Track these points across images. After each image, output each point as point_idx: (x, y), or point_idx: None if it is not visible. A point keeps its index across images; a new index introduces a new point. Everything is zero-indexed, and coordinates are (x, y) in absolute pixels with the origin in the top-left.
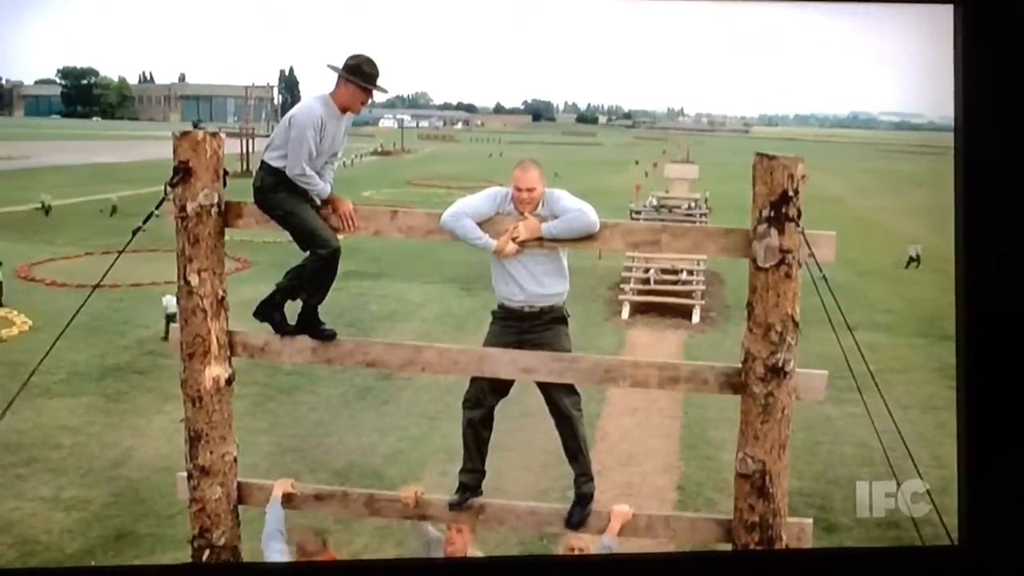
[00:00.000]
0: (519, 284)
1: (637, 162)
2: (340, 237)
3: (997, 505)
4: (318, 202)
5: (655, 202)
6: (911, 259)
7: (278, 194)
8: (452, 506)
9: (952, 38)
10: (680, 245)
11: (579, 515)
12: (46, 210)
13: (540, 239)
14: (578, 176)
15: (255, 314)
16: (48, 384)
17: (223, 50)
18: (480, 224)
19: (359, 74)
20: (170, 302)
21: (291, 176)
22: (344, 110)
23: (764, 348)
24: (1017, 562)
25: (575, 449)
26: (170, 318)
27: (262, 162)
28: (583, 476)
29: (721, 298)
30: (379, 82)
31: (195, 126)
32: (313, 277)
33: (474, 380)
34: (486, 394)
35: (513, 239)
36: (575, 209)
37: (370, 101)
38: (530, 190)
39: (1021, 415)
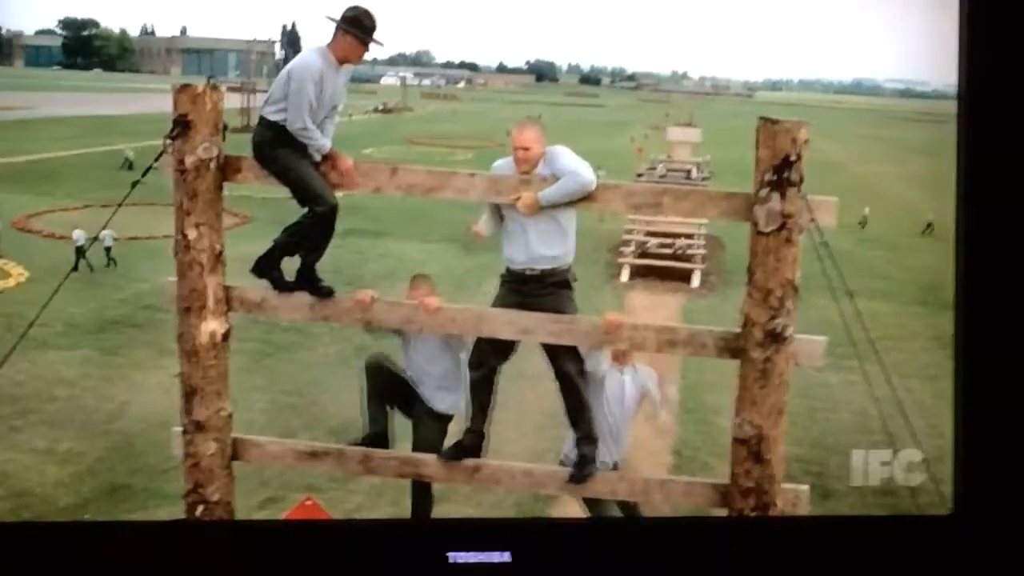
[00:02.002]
0: (520, 246)
1: (632, 139)
2: (339, 194)
3: (992, 474)
4: (317, 158)
5: (663, 171)
6: (863, 218)
7: (277, 149)
8: (442, 455)
9: (957, 5)
10: (682, 208)
11: (579, 475)
12: (129, 164)
13: (542, 208)
14: (580, 137)
15: (253, 270)
16: (44, 336)
17: (225, 4)
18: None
19: (357, 25)
20: (79, 235)
21: (292, 130)
22: (342, 62)
23: (763, 313)
24: (1012, 531)
25: (577, 414)
26: (79, 251)
27: (261, 117)
28: (585, 439)
29: (721, 262)
30: (378, 36)
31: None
32: (311, 234)
33: (477, 342)
34: (488, 355)
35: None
36: (571, 170)
37: (372, 58)
38: (525, 149)
39: (1018, 385)
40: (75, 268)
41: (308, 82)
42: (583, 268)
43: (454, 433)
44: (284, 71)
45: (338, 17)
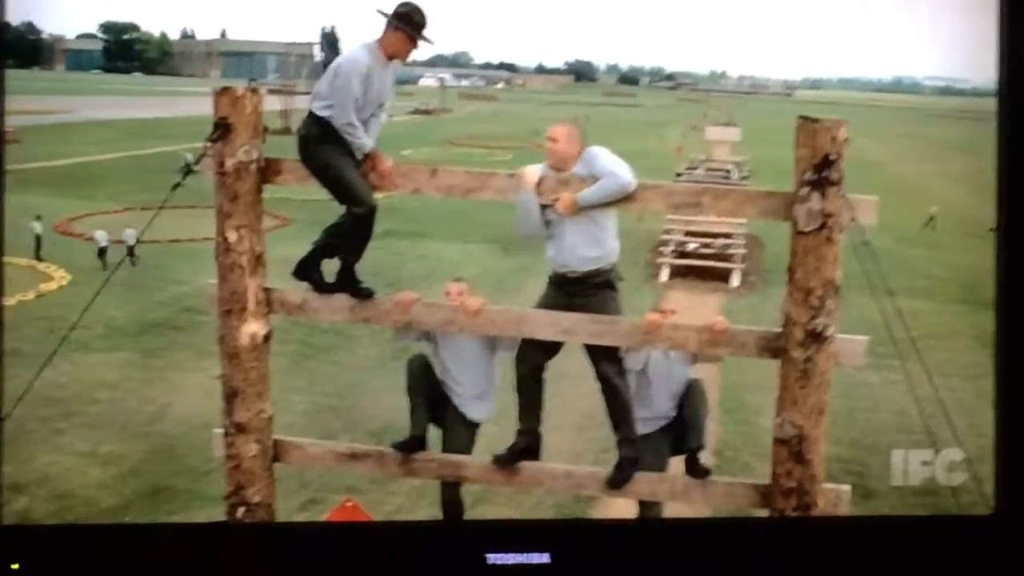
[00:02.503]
0: (560, 247)
1: (661, 137)
2: (378, 195)
3: None
4: (359, 156)
5: (702, 173)
6: (931, 218)
7: (321, 146)
8: (495, 459)
9: (996, 2)
10: (721, 207)
11: (619, 477)
12: (188, 167)
13: (581, 208)
14: (618, 137)
15: (294, 274)
16: (86, 339)
17: (265, 7)
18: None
19: (408, 21)
20: (101, 236)
21: (338, 126)
22: (391, 58)
23: (804, 313)
24: None
25: (618, 415)
26: (101, 252)
27: (309, 112)
28: (625, 441)
29: (761, 262)
30: (426, 34)
31: (249, 83)
32: (350, 235)
33: (523, 341)
34: (531, 353)
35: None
36: (609, 172)
37: (411, 60)
38: (553, 140)
39: None
40: (104, 267)
41: (354, 78)
42: (622, 268)
43: (485, 435)
44: (331, 67)
45: (389, 12)
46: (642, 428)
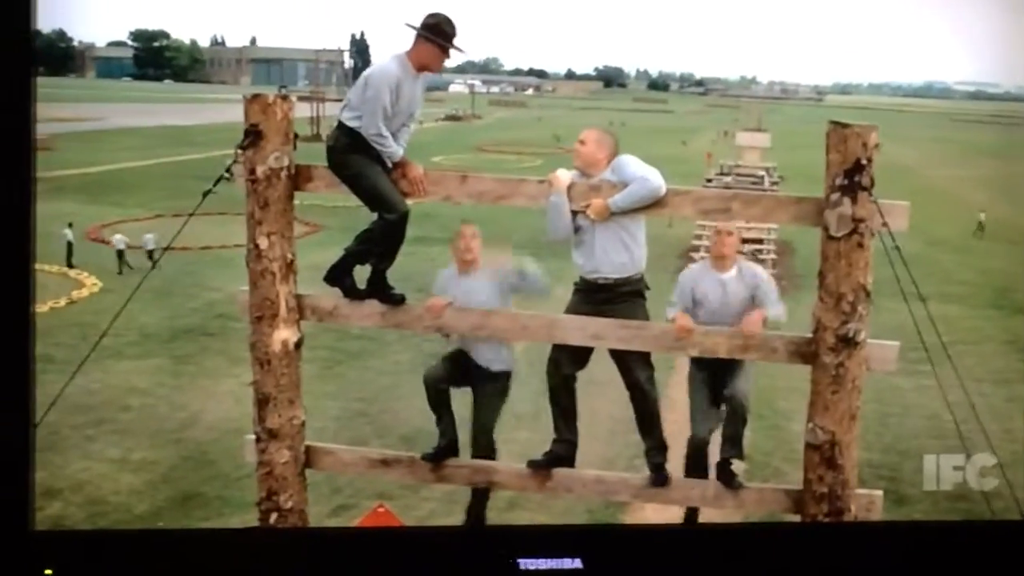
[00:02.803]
0: (589, 253)
1: (684, 142)
2: (409, 202)
3: None
4: (389, 165)
5: (732, 179)
6: (980, 224)
7: (350, 155)
8: (531, 464)
9: None
10: (751, 213)
11: (652, 486)
12: (219, 176)
13: (612, 214)
14: (648, 143)
15: (325, 279)
16: (118, 346)
17: (294, 14)
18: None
19: (439, 33)
20: (119, 240)
21: (367, 136)
22: (421, 69)
23: (835, 318)
24: None
25: (648, 422)
26: (120, 255)
27: (339, 122)
28: (655, 448)
29: (792, 267)
30: (457, 43)
31: (279, 90)
32: (381, 241)
33: (553, 348)
34: (563, 363)
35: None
36: (639, 177)
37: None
38: (581, 142)
39: None
40: (121, 271)
41: (384, 89)
42: (652, 275)
43: (518, 441)
44: (362, 77)
45: (418, 24)
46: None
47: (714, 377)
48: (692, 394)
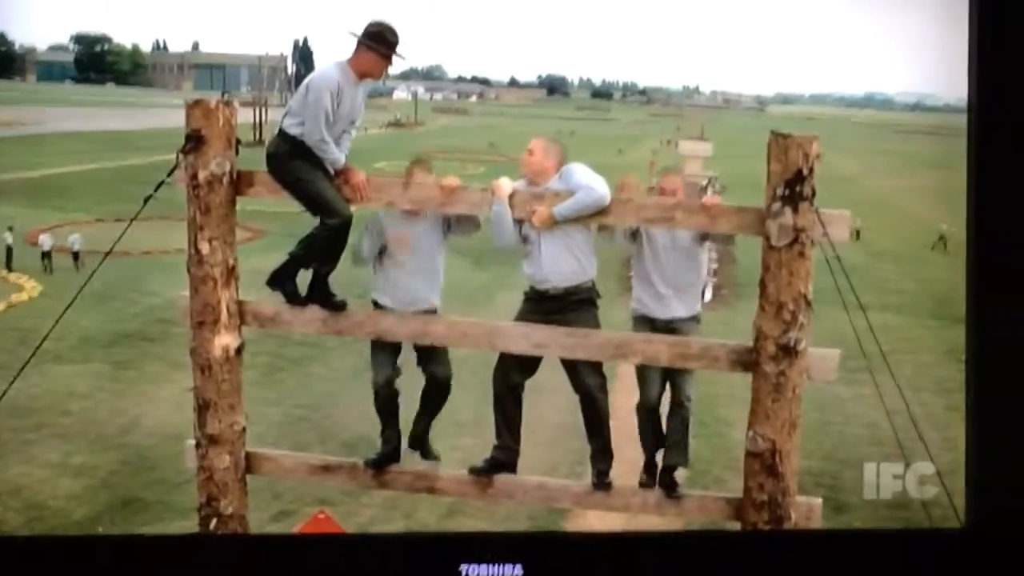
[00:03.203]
0: (538, 264)
1: (620, 150)
2: (352, 208)
3: (1006, 487)
4: (331, 171)
5: None
6: (941, 237)
7: (291, 161)
8: (472, 471)
9: (967, 18)
10: (694, 222)
11: (593, 493)
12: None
13: (556, 223)
14: (592, 151)
15: (268, 283)
16: (58, 350)
17: (237, 19)
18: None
19: (381, 41)
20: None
21: (310, 143)
22: (362, 77)
23: (776, 327)
24: None
25: (596, 428)
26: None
27: (279, 129)
28: (600, 453)
29: (733, 276)
30: (398, 50)
31: (222, 95)
32: (323, 246)
33: (500, 357)
34: (510, 371)
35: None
36: (584, 185)
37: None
38: (529, 152)
39: None
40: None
41: (325, 94)
42: (602, 281)
43: (460, 447)
44: (303, 84)
45: (360, 32)
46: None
47: None
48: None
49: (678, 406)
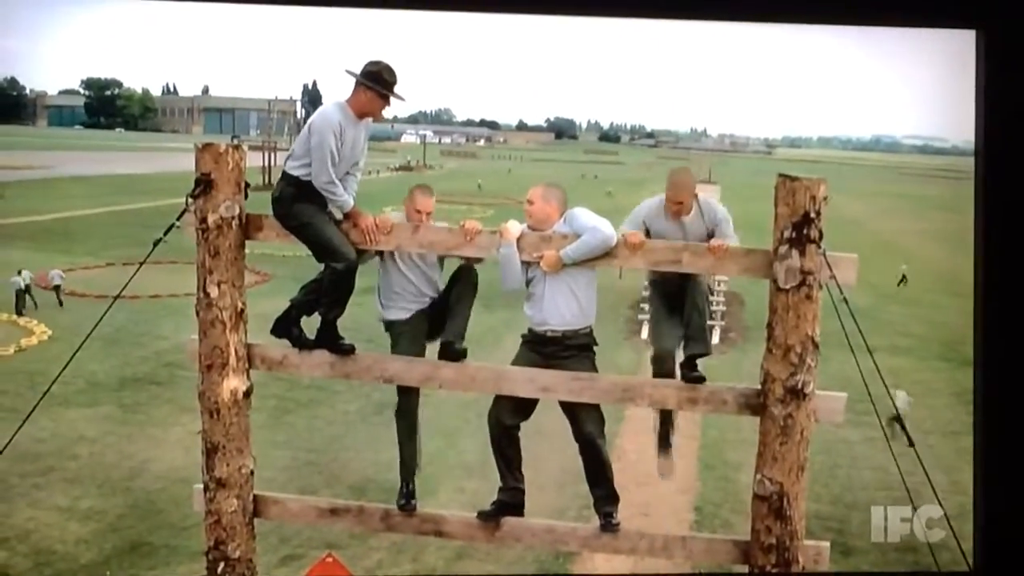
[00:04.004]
0: (539, 307)
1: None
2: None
3: (1013, 531)
4: (339, 215)
5: None
6: (903, 276)
7: (296, 205)
8: (480, 515)
9: (974, 62)
10: (701, 264)
11: (601, 535)
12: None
13: (564, 265)
14: (599, 195)
15: (272, 331)
16: (66, 394)
17: (247, 63)
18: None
19: (378, 80)
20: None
21: (318, 185)
22: (362, 116)
23: (784, 369)
24: None
25: (598, 474)
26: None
27: (284, 172)
28: (605, 499)
29: (741, 318)
30: (398, 91)
31: (231, 139)
32: (330, 291)
33: (496, 400)
34: (504, 414)
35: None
36: (591, 227)
37: (393, 116)
38: (530, 202)
39: None
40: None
41: (328, 134)
42: (602, 325)
43: (467, 491)
44: (305, 127)
45: (358, 72)
46: None
47: (671, 298)
48: (652, 313)
49: (691, 297)
